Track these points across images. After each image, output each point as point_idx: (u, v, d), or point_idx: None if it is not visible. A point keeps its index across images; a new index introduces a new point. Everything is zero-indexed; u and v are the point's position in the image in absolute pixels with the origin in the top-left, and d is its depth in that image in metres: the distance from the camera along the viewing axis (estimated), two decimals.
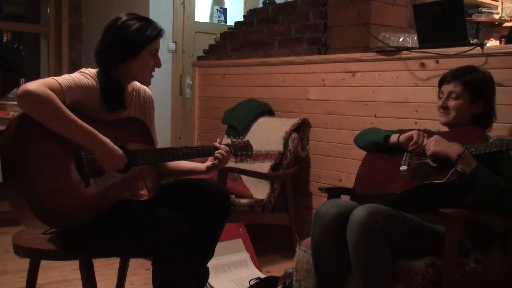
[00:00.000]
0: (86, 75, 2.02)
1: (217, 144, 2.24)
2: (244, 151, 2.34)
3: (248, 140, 2.38)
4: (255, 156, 3.53)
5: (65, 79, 1.93)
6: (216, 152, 2.22)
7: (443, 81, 2.37)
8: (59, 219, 1.86)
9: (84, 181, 1.92)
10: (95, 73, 2.07)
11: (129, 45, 2.05)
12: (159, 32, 2.11)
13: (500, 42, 4.76)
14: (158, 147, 2.24)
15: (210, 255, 2.26)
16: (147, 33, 2.07)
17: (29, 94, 1.80)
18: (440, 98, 2.36)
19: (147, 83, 2.19)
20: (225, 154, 2.23)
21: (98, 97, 2.03)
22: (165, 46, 5.05)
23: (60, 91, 1.88)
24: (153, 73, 2.16)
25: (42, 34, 5.52)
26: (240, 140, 2.36)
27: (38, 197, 1.81)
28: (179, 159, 2.18)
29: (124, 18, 2.09)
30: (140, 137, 2.12)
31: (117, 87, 2.08)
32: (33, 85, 1.81)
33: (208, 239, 2.21)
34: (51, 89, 1.84)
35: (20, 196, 1.78)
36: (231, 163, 2.35)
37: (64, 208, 1.87)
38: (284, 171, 3.53)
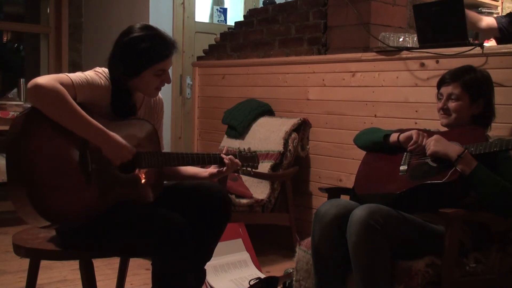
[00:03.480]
0: (99, 74, 2.02)
1: (223, 155, 2.22)
2: (250, 162, 2.31)
3: (255, 152, 2.35)
4: None
5: (77, 76, 1.94)
6: (226, 158, 2.20)
7: (441, 82, 2.37)
8: (60, 216, 1.87)
9: (87, 180, 1.92)
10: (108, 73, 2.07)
11: (131, 64, 2.02)
12: (167, 54, 2.05)
13: None
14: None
15: (208, 257, 2.26)
16: (151, 55, 2.02)
17: (39, 87, 1.80)
18: (439, 99, 2.36)
19: (151, 97, 2.18)
20: (234, 161, 2.22)
21: (109, 96, 2.02)
22: None
23: (71, 87, 1.88)
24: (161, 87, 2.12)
25: (42, 34, 5.51)
26: (247, 151, 2.33)
27: (40, 193, 1.81)
28: (183, 164, 2.18)
29: (135, 33, 2.02)
30: (147, 139, 2.12)
31: (126, 96, 2.06)
32: (44, 79, 1.82)
33: (208, 241, 2.20)
34: (62, 84, 1.85)
35: (22, 192, 1.78)
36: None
37: (65, 205, 1.87)
38: (284, 171, 3.52)
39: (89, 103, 1.95)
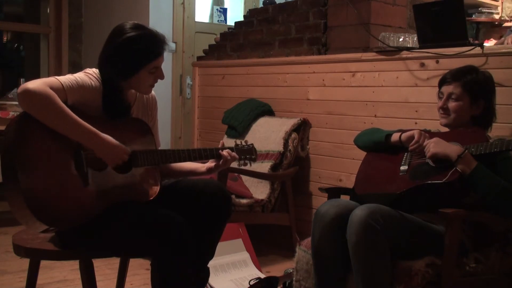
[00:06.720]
0: (89, 75, 2.02)
1: (221, 149, 2.22)
2: (248, 154, 2.31)
3: (252, 144, 2.35)
4: None
5: (67, 79, 1.93)
6: (222, 151, 2.20)
7: (443, 82, 2.36)
8: (57, 218, 1.86)
9: (83, 181, 1.92)
10: (99, 73, 2.06)
11: (127, 64, 2.02)
12: (160, 52, 2.06)
13: None
14: (159, 147, 2.24)
15: (210, 255, 2.26)
16: (146, 54, 2.02)
17: (29, 92, 1.80)
18: (440, 98, 2.36)
19: (145, 94, 2.19)
20: (232, 154, 2.22)
21: (101, 97, 2.02)
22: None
23: (61, 90, 1.88)
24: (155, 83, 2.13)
25: (42, 34, 5.52)
26: (244, 144, 2.33)
27: (37, 196, 1.81)
28: (180, 161, 2.18)
29: (128, 34, 2.02)
30: (142, 138, 2.12)
31: (118, 96, 2.06)
32: (34, 84, 1.82)
33: (208, 239, 2.20)
34: (52, 88, 1.85)
35: (19, 195, 1.78)
36: (232, 165, 2.34)
37: (62, 207, 1.87)
38: (284, 171, 3.52)
39: (81, 105, 1.95)
